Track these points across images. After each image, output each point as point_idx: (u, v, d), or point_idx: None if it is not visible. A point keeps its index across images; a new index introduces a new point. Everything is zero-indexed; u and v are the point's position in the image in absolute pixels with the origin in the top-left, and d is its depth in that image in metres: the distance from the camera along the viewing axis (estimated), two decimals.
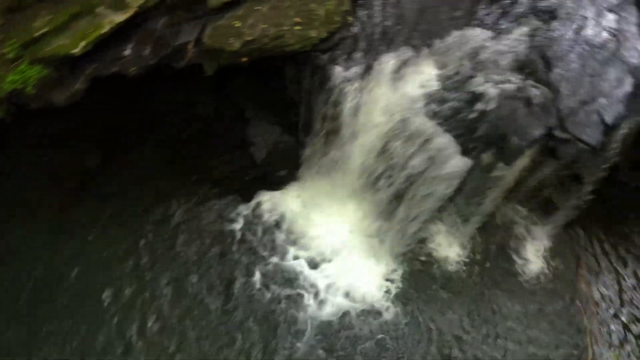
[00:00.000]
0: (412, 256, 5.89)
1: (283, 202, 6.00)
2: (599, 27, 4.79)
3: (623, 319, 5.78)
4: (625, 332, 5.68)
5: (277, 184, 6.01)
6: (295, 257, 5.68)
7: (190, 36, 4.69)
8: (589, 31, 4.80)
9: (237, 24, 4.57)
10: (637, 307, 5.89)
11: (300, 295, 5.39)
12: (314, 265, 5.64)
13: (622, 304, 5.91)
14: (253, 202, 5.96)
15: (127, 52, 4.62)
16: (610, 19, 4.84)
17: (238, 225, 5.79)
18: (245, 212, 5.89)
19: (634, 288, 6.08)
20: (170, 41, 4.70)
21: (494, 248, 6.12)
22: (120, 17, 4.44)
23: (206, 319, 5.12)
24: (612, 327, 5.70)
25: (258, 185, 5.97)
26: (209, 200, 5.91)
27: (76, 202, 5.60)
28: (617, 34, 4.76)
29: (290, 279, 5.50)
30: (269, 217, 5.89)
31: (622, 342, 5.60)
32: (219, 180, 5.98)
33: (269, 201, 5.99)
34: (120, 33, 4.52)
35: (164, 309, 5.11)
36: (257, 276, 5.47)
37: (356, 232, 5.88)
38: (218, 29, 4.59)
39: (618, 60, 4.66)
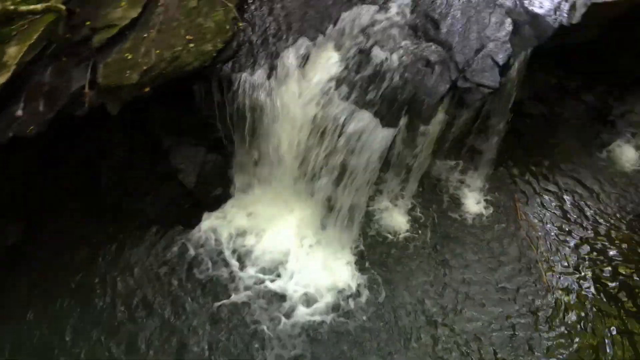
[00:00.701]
0: (365, 236, 6.02)
1: (227, 220, 5.90)
2: None
3: (565, 236, 6.26)
4: (568, 247, 6.15)
5: (215, 205, 5.90)
6: (253, 271, 5.59)
7: (82, 80, 4.49)
8: None
9: (129, 55, 4.44)
10: (572, 222, 6.41)
11: (267, 308, 5.32)
12: (273, 275, 5.59)
13: (560, 222, 6.41)
14: (196, 230, 5.81)
15: (20, 112, 4.35)
16: None
17: (187, 256, 5.62)
18: (191, 242, 5.73)
19: (565, 203, 6.61)
20: (63, 90, 4.48)
21: (436, 204, 6.41)
22: (1, 79, 4.17)
23: (177, 348, 4.99)
24: (556, 244, 6.16)
25: (196, 210, 5.83)
26: (150, 241, 5.69)
27: (6, 285, 5.18)
28: None
29: (253, 295, 5.41)
30: (216, 240, 5.77)
31: (568, 256, 6.06)
32: (155, 217, 5.77)
33: (212, 223, 5.87)
34: (7, 94, 4.25)
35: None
36: (219, 300, 5.34)
37: (306, 228, 5.92)
38: (110, 65, 4.43)
39: (493, 5, 5.04)
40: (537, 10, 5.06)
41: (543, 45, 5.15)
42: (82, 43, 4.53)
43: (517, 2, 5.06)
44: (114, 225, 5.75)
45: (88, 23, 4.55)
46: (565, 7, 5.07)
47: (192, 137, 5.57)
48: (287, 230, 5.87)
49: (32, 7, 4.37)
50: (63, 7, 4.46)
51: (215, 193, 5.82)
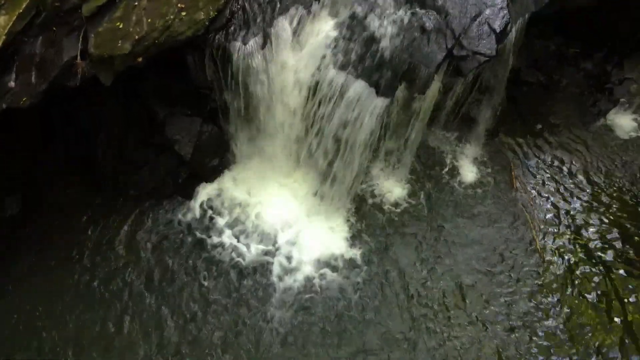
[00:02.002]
0: (362, 205, 6.09)
1: (224, 191, 5.95)
2: None
3: (560, 205, 6.32)
4: (564, 216, 6.22)
5: (212, 175, 5.93)
6: (252, 240, 5.68)
7: (74, 50, 4.40)
8: None
9: (120, 25, 4.34)
10: (568, 191, 6.45)
11: (267, 276, 5.43)
12: (272, 243, 5.68)
13: (556, 191, 6.46)
14: (194, 200, 5.86)
15: (12, 83, 4.30)
16: None
17: (186, 226, 5.70)
18: (189, 212, 5.80)
19: (561, 173, 6.65)
20: (54, 61, 4.41)
21: (433, 174, 6.46)
22: None
23: (187, 312, 5.12)
24: (552, 214, 6.24)
25: (193, 181, 5.86)
26: (148, 213, 5.75)
27: (5, 256, 5.24)
28: None
29: (253, 262, 5.51)
30: (214, 209, 5.84)
31: (560, 223, 6.15)
32: (152, 189, 5.80)
33: (209, 194, 5.92)
34: None
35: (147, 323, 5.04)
36: (221, 269, 5.44)
37: (303, 199, 5.97)
38: (101, 35, 4.35)
39: None
40: None
41: (541, 11, 5.06)
42: (71, 12, 4.40)
43: None
44: (111, 197, 5.80)
45: None
46: None
47: (188, 108, 5.54)
48: (284, 200, 5.93)
49: None
50: None
51: (211, 164, 5.84)
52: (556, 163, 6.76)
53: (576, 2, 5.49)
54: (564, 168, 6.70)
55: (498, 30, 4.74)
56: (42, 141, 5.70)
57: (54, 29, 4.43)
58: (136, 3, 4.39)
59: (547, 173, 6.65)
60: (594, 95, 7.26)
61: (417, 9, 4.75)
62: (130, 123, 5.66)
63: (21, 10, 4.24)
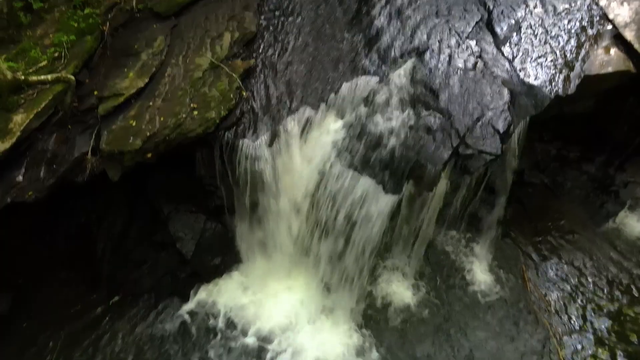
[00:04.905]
0: (370, 306, 5.76)
1: (224, 292, 5.66)
2: (464, 53, 5.34)
3: (574, 306, 5.98)
4: (578, 317, 5.86)
5: (213, 275, 5.70)
6: (254, 346, 5.29)
7: (85, 147, 4.51)
8: (458, 58, 5.33)
9: (133, 122, 4.49)
10: (583, 294, 6.14)
11: None
12: (276, 348, 5.28)
13: (571, 294, 6.14)
14: (192, 302, 5.57)
15: (20, 178, 4.33)
16: (471, 44, 5.43)
17: (182, 331, 5.34)
18: (186, 315, 5.47)
19: (575, 275, 6.38)
20: (65, 157, 4.49)
21: (442, 275, 6.19)
22: (4, 145, 4.19)
23: None
24: (565, 315, 5.89)
25: (193, 281, 5.62)
26: (143, 315, 5.43)
27: None
28: (481, 56, 5.33)
29: None
30: (213, 312, 5.51)
31: (580, 327, 5.76)
32: (150, 288, 5.56)
33: (209, 295, 5.63)
34: (8, 160, 4.25)
35: None
36: None
37: (306, 302, 5.67)
38: (114, 132, 4.47)
39: (489, 77, 5.18)
40: (532, 81, 5.20)
41: (540, 115, 5.23)
42: (88, 111, 4.60)
43: (513, 74, 5.22)
44: (106, 295, 5.54)
45: (95, 92, 4.66)
46: (560, 78, 5.22)
47: (192, 205, 5.51)
48: (286, 302, 5.63)
49: (42, 77, 4.49)
50: (73, 77, 4.59)
51: (213, 263, 5.64)
52: (568, 264, 6.52)
53: (573, 107, 5.71)
54: (577, 270, 6.45)
55: (501, 131, 4.85)
56: (40, 234, 5.56)
57: (69, 127, 4.57)
58: (151, 103, 4.58)
59: (560, 275, 6.39)
60: (601, 197, 7.24)
61: (422, 111, 4.92)
62: (133, 218, 5.59)
63: (39, 110, 4.42)
